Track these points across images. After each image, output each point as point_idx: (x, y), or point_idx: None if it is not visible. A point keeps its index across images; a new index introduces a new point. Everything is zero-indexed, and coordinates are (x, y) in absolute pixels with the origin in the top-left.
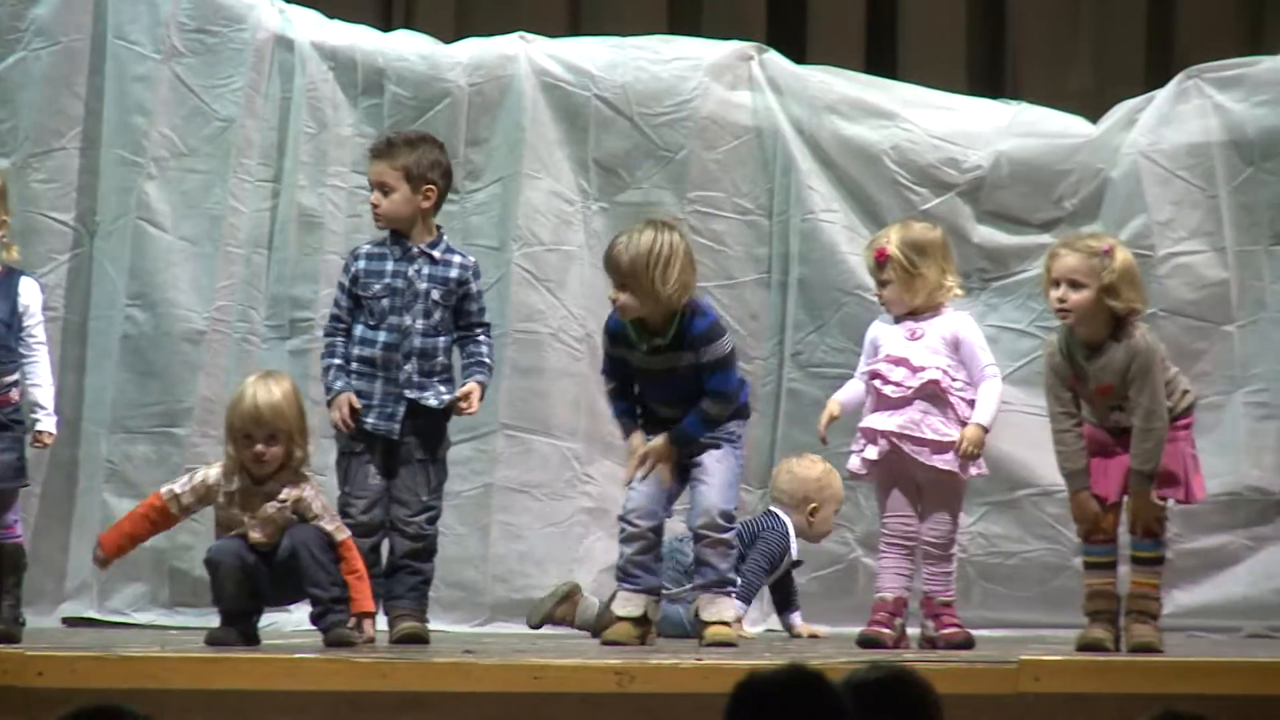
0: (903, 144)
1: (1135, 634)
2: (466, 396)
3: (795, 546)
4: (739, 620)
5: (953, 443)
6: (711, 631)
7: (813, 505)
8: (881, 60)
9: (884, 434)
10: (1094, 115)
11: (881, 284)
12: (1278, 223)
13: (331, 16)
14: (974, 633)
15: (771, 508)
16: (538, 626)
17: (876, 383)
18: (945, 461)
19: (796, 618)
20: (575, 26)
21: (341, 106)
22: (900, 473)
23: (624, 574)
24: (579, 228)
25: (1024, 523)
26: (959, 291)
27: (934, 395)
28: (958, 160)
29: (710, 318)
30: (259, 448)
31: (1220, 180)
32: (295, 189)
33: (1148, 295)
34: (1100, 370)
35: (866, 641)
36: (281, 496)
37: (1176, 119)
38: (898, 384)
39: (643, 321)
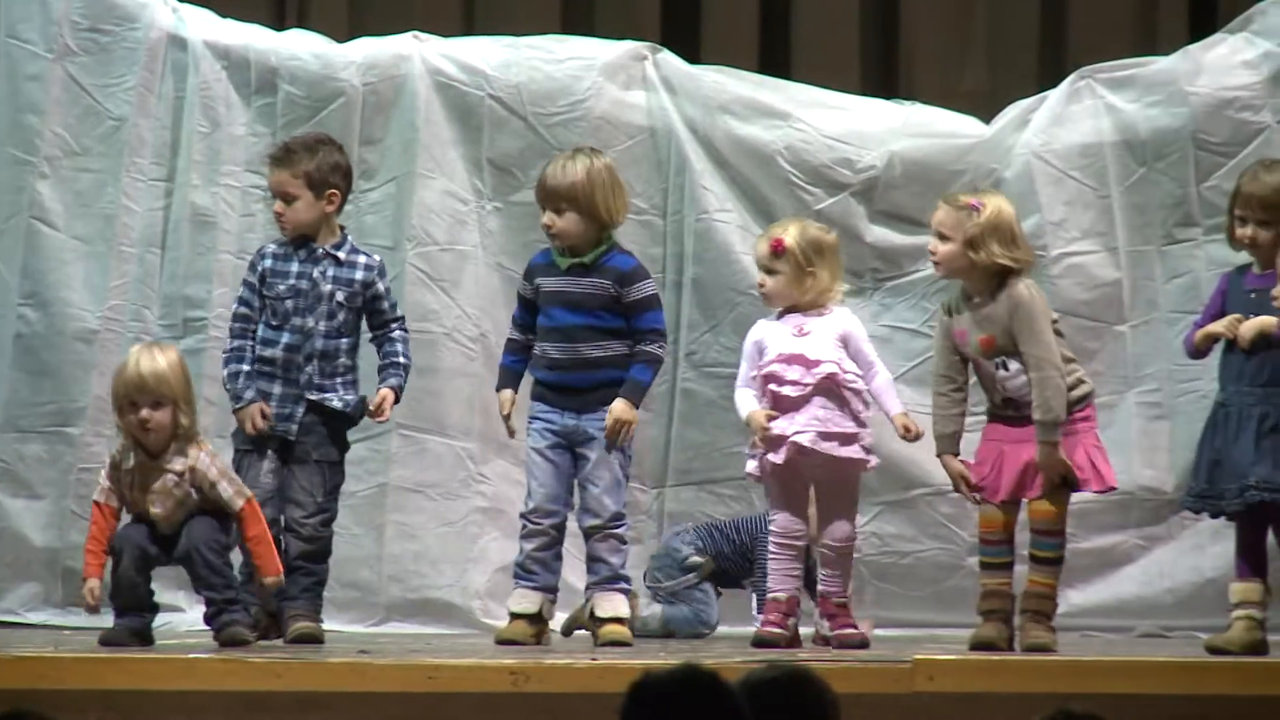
0: (796, 144)
1: (1030, 634)
2: (380, 405)
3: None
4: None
5: (855, 435)
6: (606, 630)
7: None
8: (775, 60)
9: (789, 440)
10: (987, 115)
11: (769, 273)
12: (1170, 223)
13: (225, 15)
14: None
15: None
16: (568, 634)
17: (773, 385)
18: (853, 451)
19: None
20: (469, 26)
21: (235, 106)
22: (796, 475)
23: (522, 571)
24: (473, 227)
25: (918, 522)
26: (839, 299)
27: (830, 390)
28: (851, 160)
29: (636, 260)
30: (144, 413)
31: (1113, 180)
32: (188, 188)
33: (1027, 253)
34: (982, 320)
35: (760, 641)
36: (176, 469)
37: (1069, 119)
38: (795, 382)
39: (571, 247)
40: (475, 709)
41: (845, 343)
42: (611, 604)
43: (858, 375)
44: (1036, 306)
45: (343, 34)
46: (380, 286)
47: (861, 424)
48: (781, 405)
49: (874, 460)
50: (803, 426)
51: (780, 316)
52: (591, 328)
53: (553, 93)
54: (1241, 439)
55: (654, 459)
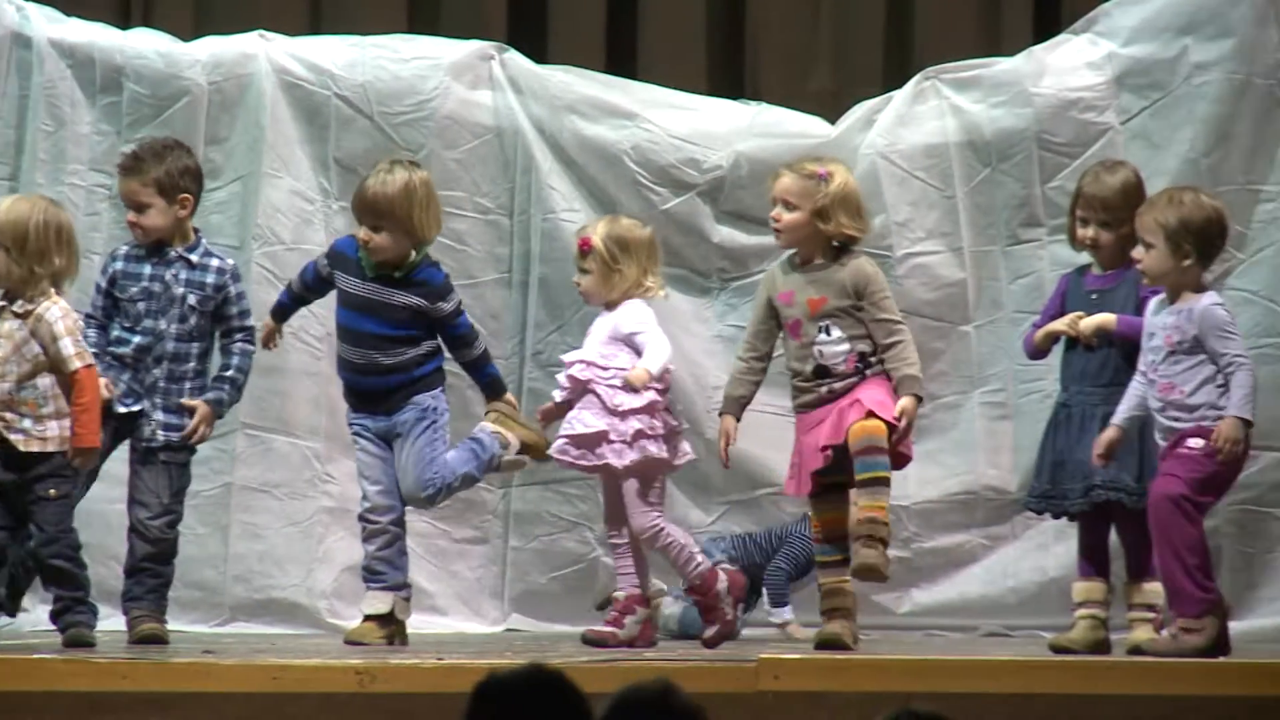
0: (643, 144)
1: (861, 556)
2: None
3: None
4: (785, 624)
5: (603, 433)
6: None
7: None
8: (622, 61)
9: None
10: (832, 116)
11: (582, 272)
12: (1014, 223)
13: (69, 14)
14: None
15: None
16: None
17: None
18: (606, 454)
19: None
20: (315, 25)
21: (80, 104)
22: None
23: (369, 573)
24: (320, 227)
25: (763, 521)
26: (660, 293)
27: (585, 392)
28: (698, 160)
29: (444, 274)
30: None
31: (958, 181)
32: (33, 187)
33: (867, 223)
34: (815, 282)
35: (589, 640)
36: (19, 309)
37: (914, 120)
38: (565, 386)
39: (383, 262)
40: (320, 709)
41: (617, 336)
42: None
43: (621, 370)
44: (882, 278)
45: (188, 33)
46: (231, 290)
47: (623, 419)
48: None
49: (631, 458)
50: (560, 433)
51: (602, 315)
52: (388, 337)
53: (399, 92)
54: (1084, 439)
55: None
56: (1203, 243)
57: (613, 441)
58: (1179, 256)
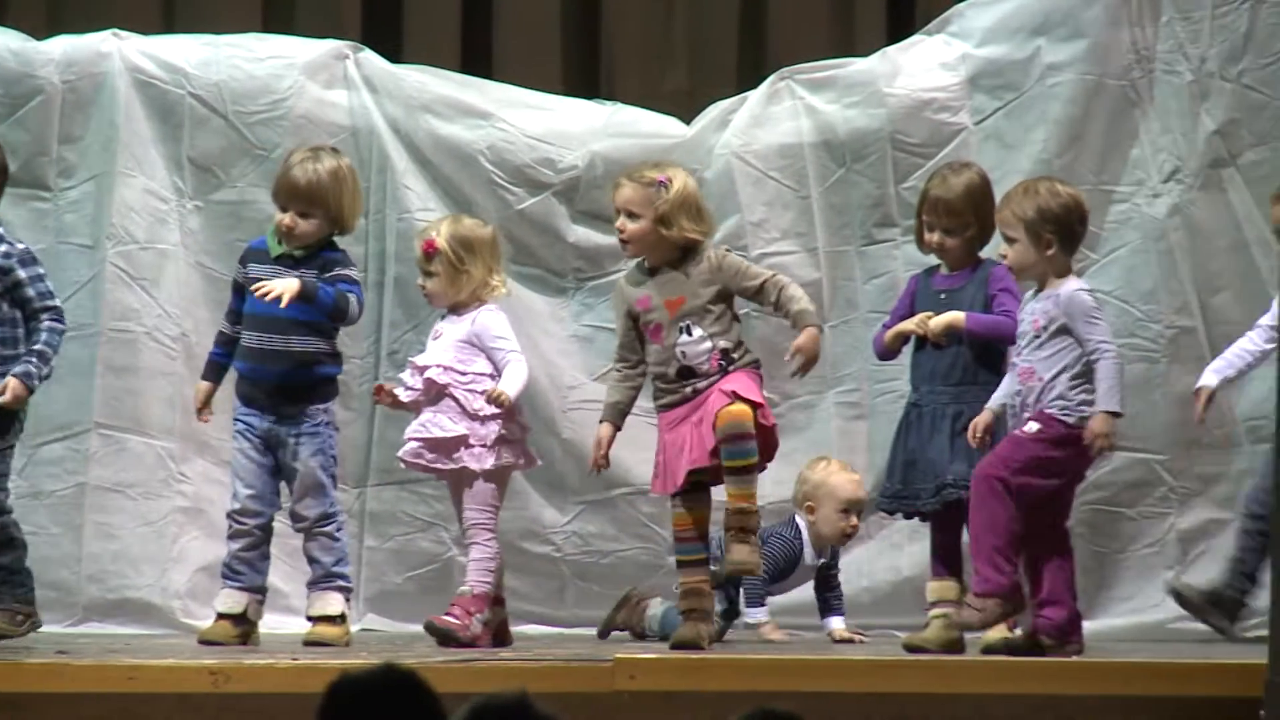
0: (498, 144)
1: (734, 553)
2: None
3: (810, 550)
4: (760, 625)
5: (463, 437)
6: (313, 631)
7: (809, 504)
8: (477, 60)
9: (409, 439)
10: (688, 116)
11: (427, 275)
12: (868, 223)
13: None
14: (570, 631)
15: (796, 513)
16: (604, 635)
17: (399, 389)
18: (464, 458)
19: (834, 621)
20: (169, 24)
21: None
22: (440, 472)
23: (229, 570)
24: (174, 226)
25: (619, 521)
26: (504, 290)
27: (440, 395)
28: (553, 160)
29: (343, 252)
30: None
31: (812, 181)
32: None
33: (710, 224)
34: (668, 284)
35: (431, 628)
36: None
37: (769, 120)
38: (411, 388)
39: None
40: (175, 709)
41: (474, 342)
42: (322, 603)
43: (481, 375)
44: (733, 254)
45: (42, 31)
46: (21, 274)
47: (483, 424)
48: (414, 409)
49: (490, 462)
50: (409, 436)
51: (444, 317)
52: (297, 321)
53: (253, 91)
54: (935, 439)
55: (356, 459)
56: (1063, 229)
57: (472, 446)
58: (1041, 246)
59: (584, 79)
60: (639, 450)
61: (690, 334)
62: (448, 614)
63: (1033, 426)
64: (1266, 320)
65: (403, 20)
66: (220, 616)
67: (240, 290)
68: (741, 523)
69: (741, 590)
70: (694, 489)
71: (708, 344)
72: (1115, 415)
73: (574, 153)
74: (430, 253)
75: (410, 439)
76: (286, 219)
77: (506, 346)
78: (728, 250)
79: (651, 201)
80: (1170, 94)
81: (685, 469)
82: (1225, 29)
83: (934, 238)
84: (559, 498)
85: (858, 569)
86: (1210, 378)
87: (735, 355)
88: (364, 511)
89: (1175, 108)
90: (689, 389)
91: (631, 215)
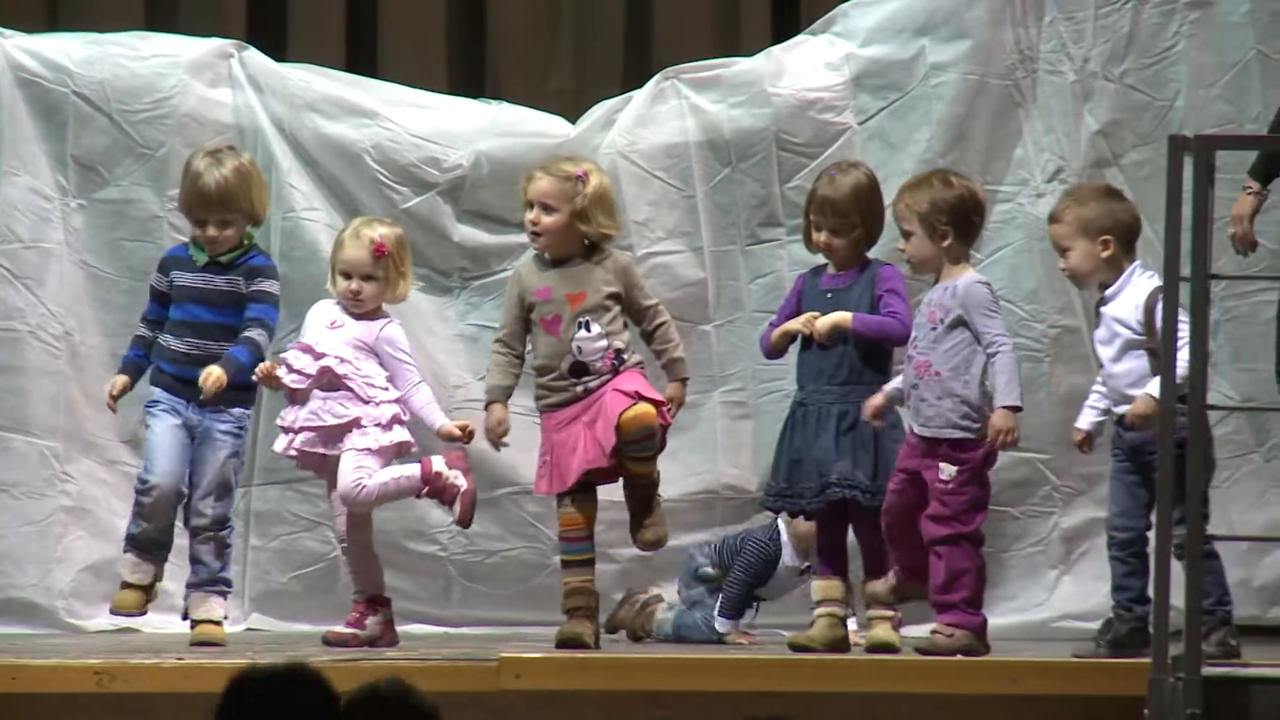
0: (384, 143)
1: (647, 530)
2: None
3: (790, 551)
4: (729, 634)
5: (356, 419)
6: (198, 631)
7: None
8: (362, 59)
9: (300, 429)
10: (573, 115)
11: (366, 278)
12: (754, 223)
13: None
14: (455, 630)
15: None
16: (612, 630)
17: (280, 370)
18: (350, 442)
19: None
20: (52, 22)
21: None
22: (311, 466)
23: (134, 543)
24: (58, 225)
25: (504, 521)
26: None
27: (332, 382)
28: (438, 159)
29: (272, 262)
30: None
31: (697, 180)
32: None
33: (620, 221)
34: (572, 278)
35: (330, 642)
36: None
37: (654, 120)
38: (300, 372)
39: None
40: (59, 709)
41: (374, 348)
42: (206, 607)
43: (372, 377)
44: (637, 270)
45: None
46: None
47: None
48: (293, 396)
49: (382, 441)
50: (301, 425)
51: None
52: (223, 326)
53: (137, 90)
54: (821, 438)
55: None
56: (958, 220)
57: (364, 426)
58: (937, 238)
59: (470, 78)
60: (524, 450)
61: (589, 330)
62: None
63: (949, 471)
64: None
65: (288, 19)
66: (126, 585)
67: (162, 296)
68: (644, 494)
69: (720, 598)
70: (583, 489)
71: (604, 342)
72: (1016, 409)
73: (459, 152)
74: (381, 255)
75: (302, 428)
76: (210, 232)
77: (411, 365)
78: (632, 259)
79: (568, 196)
80: (1053, 94)
81: (580, 469)
82: (1108, 29)
83: (821, 238)
84: None
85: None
86: (1087, 420)
87: (626, 356)
88: (249, 511)
89: (1058, 108)
90: (580, 388)
91: (547, 208)
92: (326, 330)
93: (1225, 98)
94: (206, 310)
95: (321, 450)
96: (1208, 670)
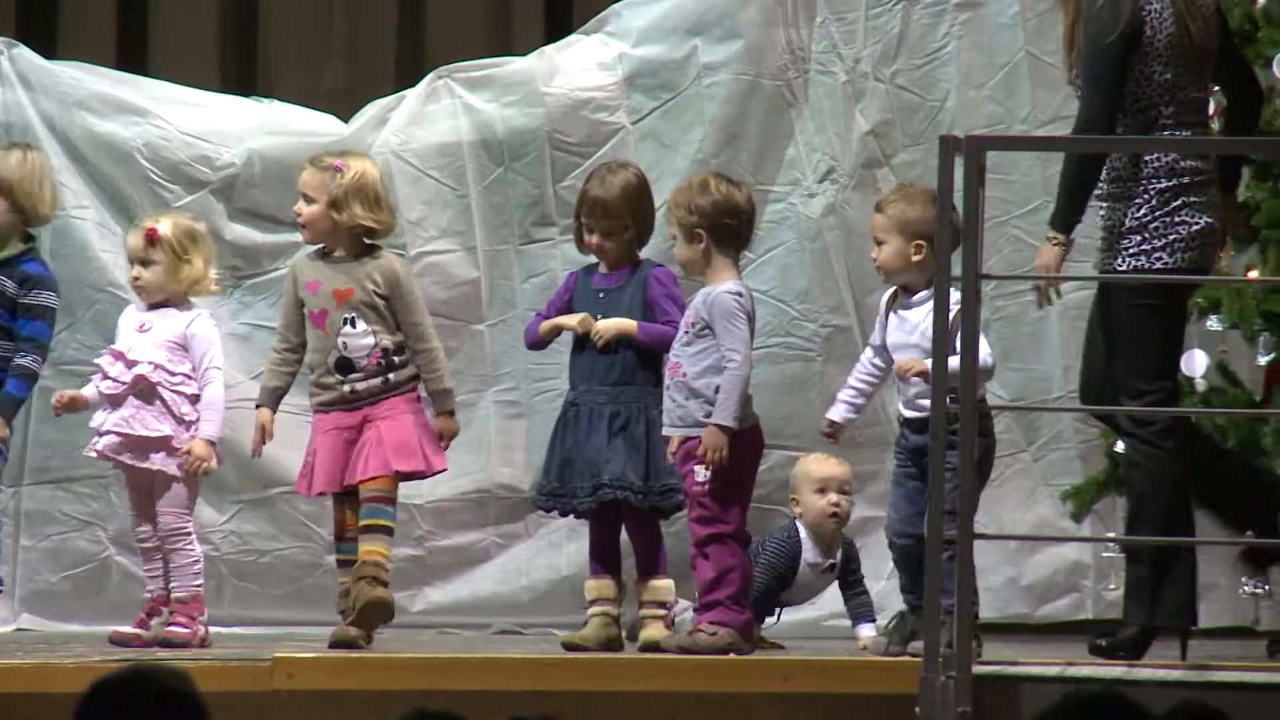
0: (155, 141)
1: (365, 595)
2: None
3: (811, 547)
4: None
5: (168, 438)
6: None
7: (794, 498)
8: (133, 57)
9: (107, 433)
10: (346, 114)
11: (145, 264)
12: (527, 222)
13: None
14: (227, 630)
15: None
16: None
17: (95, 378)
18: (160, 461)
19: (863, 629)
20: None
21: None
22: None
23: None
24: None
25: (277, 520)
26: (216, 288)
27: (146, 392)
28: (210, 158)
29: (49, 271)
30: None
31: (471, 180)
32: None
33: (390, 216)
34: (342, 272)
35: (116, 642)
36: None
37: (427, 119)
38: (115, 379)
39: None
40: None
41: (185, 344)
42: None
43: (187, 378)
44: (414, 282)
45: None
46: None
47: (188, 429)
48: (106, 401)
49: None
50: (109, 429)
51: (150, 310)
52: None
53: None
54: (593, 438)
55: (11, 457)
56: (712, 226)
57: (175, 450)
58: (694, 242)
59: (242, 76)
60: (296, 449)
61: (354, 326)
62: (173, 624)
63: (702, 473)
64: (875, 339)
65: (58, 16)
66: None
67: None
68: (375, 573)
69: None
70: (349, 493)
71: (370, 340)
72: (726, 429)
73: (231, 150)
74: (154, 240)
75: (110, 432)
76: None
77: (214, 364)
78: (406, 265)
79: (325, 186)
80: (825, 94)
81: (347, 481)
82: (879, 30)
83: (593, 240)
84: (216, 496)
85: (516, 568)
86: (838, 412)
87: (396, 360)
88: (19, 511)
89: (830, 108)
90: (347, 389)
91: (307, 199)
92: (137, 334)
93: (995, 98)
94: None
95: (128, 460)
96: (978, 669)
